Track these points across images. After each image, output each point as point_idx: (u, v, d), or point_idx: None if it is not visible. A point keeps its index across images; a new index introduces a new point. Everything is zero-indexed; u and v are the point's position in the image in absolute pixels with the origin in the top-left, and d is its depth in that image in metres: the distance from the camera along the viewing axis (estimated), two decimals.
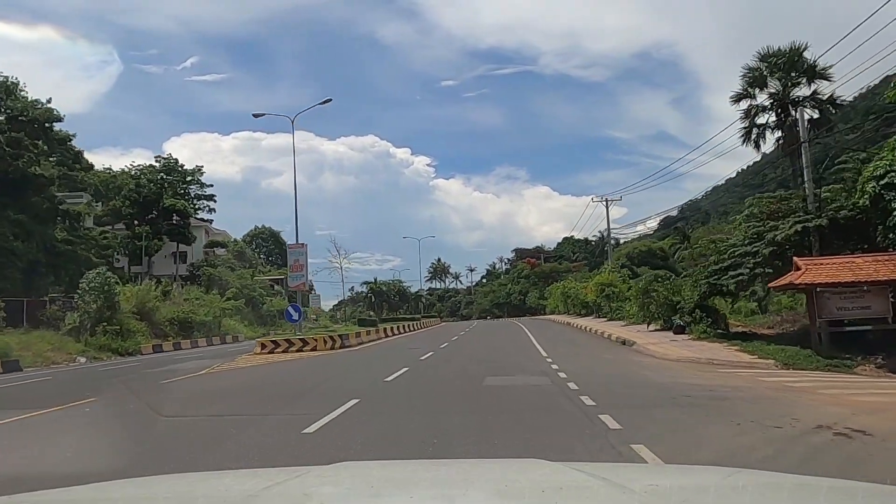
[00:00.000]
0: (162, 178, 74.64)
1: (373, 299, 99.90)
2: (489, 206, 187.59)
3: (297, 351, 26.57)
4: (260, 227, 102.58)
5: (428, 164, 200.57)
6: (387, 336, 38.99)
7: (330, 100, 32.74)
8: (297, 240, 32.09)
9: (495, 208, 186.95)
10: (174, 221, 71.00)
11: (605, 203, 53.21)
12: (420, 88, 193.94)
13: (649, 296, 26.84)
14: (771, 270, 19.89)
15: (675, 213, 77.33)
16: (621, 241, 76.93)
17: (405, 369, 16.70)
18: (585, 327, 35.94)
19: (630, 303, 36.29)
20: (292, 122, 31.20)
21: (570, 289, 57.71)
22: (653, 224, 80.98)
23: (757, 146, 39.88)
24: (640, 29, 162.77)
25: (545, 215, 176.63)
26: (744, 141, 39.39)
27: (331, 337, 28.43)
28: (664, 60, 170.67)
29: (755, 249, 20.43)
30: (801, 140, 20.86)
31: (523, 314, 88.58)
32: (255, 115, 34.12)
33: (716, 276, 21.30)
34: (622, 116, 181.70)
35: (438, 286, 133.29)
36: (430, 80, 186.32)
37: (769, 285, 18.86)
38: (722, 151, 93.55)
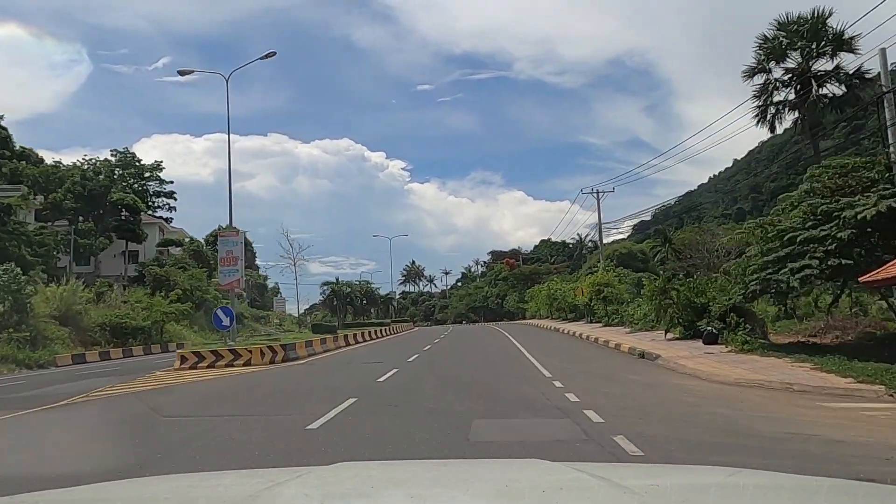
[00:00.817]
0: (113, 171, 68.61)
1: (334, 301, 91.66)
2: (464, 210, 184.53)
3: (227, 366, 20.87)
4: (224, 226, 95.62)
5: (403, 169, 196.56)
6: (347, 345, 33.15)
7: (274, 53, 27.16)
8: (230, 221, 25.52)
9: (470, 213, 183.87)
10: (123, 217, 64.99)
11: (595, 195, 48.26)
12: (395, 92, 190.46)
13: (668, 296, 21.44)
14: (850, 261, 14.78)
15: (648, 217, 76.70)
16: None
17: (351, 401, 11.30)
18: (581, 334, 30.59)
19: (633, 305, 31.19)
20: (227, 81, 25.46)
21: (556, 290, 52.42)
22: (626, 228, 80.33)
23: (772, 127, 35.22)
24: (612, 36, 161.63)
25: (520, 220, 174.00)
26: (758, 121, 34.69)
27: (270, 348, 22.42)
28: (637, 68, 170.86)
29: (824, 234, 15.30)
30: (885, 90, 15.84)
31: (501, 318, 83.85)
32: (181, 73, 28.57)
33: (771, 270, 16.06)
34: (596, 122, 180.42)
35: (412, 289, 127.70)
36: (406, 84, 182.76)
37: (861, 279, 13.73)
38: (691, 155, 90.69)
